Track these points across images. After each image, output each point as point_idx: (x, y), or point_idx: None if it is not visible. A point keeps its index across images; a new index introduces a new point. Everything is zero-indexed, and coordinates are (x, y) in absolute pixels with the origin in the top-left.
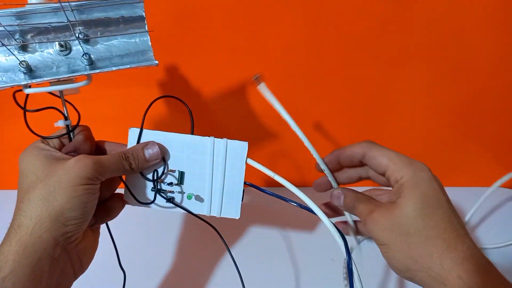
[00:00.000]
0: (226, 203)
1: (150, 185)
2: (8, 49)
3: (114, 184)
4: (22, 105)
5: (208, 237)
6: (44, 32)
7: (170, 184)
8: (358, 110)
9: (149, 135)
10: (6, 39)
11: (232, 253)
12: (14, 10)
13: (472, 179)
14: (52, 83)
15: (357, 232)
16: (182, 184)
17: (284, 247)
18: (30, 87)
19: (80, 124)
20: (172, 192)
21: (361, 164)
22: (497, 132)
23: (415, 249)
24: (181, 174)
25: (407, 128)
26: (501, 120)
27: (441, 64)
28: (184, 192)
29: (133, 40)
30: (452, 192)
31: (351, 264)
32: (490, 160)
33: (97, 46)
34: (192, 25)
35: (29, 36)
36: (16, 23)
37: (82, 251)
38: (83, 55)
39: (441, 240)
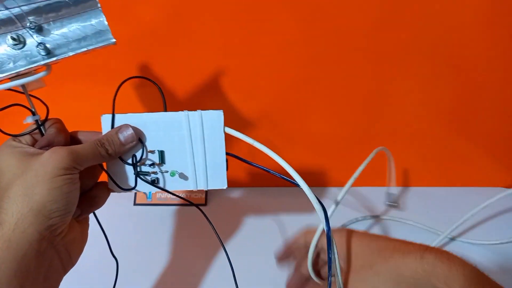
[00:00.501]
0: (211, 174)
1: (132, 169)
2: None
3: (95, 172)
4: None
5: (202, 231)
6: None
7: (152, 165)
8: (355, 109)
9: (122, 119)
10: None
11: (225, 245)
12: None
13: (472, 179)
14: (12, 79)
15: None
16: (164, 163)
17: (279, 242)
18: None
19: (50, 118)
20: (156, 173)
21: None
22: (496, 132)
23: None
24: (161, 153)
25: (405, 127)
26: (501, 119)
27: (439, 63)
28: (167, 171)
29: (88, 22)
30: (452, 192)
31: (330, 233)
32: (489, 160)
33: (52, 34)
34: (183, 22)
35: None
36: None
37: (70, 244)
38: (38, 45)
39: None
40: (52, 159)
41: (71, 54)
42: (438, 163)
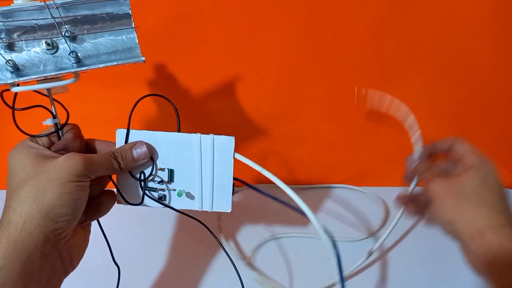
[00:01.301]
0: (217, 197)
1: (141, 184)
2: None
3: (104, 181)
4: (10, 105)
5: (201, 234)
6: (30, 31)
7: (161, 182)
8: (356, 110)
9: (136, 135)
10: None
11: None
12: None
13: None
14: (39, 81)
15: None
16: (172, 181)
17: (279, 245)
18: (17, 85)
19: (68, 122)
20: (163, 190)
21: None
22: (496, 132)
23: (464, 206)
24: (171, 172)
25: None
26: (501, 120)
27: (439, 64)
28: (175, 190)
29: (120, 37)
30: None
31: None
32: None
33: (84, 44)
34: (187, 24)
35: (15, 35)
36: (1, 22)
37: (72, 248)
38: (70, 53)
39: (489, 206)
40: (67, 165)
41: (100, 66)
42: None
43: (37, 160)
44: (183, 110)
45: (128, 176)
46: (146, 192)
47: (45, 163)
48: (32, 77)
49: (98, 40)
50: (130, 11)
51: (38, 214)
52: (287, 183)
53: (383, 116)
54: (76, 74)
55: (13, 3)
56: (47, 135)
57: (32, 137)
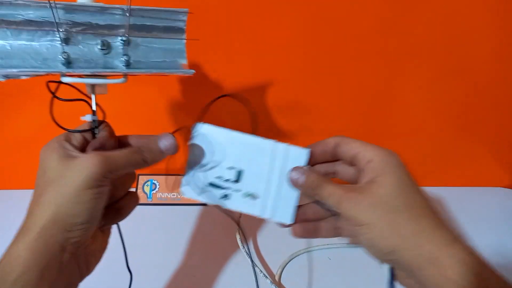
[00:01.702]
0: (279, 207)
1: (204, 179)
2: (59, 35)
3: (128, 182)
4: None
5: (201, 230)
6: (89, 28)
7: (227, 180)
8: (360, 109)
9: (213, 131)
10: (51, 28)
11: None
12: (64, 3)
13: (472, 179)
14: (87, 76)
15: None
16: (238, 182)
17: (279, 242)
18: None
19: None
20: (228, 188)
21: (331, 158)
22: (497, 132)
23: (404, 226)
24: (239, 172)
25: (408, 127)
26: (501, 120)
27: (442, 63)
28: (239, 191)
29: (171, 47)
30: (452, 192)
31: None
32: (490, 160)
33: (137, 48)
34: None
35: (74, 29)
36: (64, 16)
37: (90, 255)
38: (122, 56)
39: (430, 218)
40: (84, 168)
41: (149, 72)
42: (438, 163)
43: (62, 162)
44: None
45: (196, 170)
46: (199, 185)
47: (67, 166)
48: (83, 70)
49: (150, 47)
50: (184, 27)
51: (53, 224)
52: None
53: None
54: (125, 76)
55: (76, 0)
56: (84, 131)
57: (69, 132)
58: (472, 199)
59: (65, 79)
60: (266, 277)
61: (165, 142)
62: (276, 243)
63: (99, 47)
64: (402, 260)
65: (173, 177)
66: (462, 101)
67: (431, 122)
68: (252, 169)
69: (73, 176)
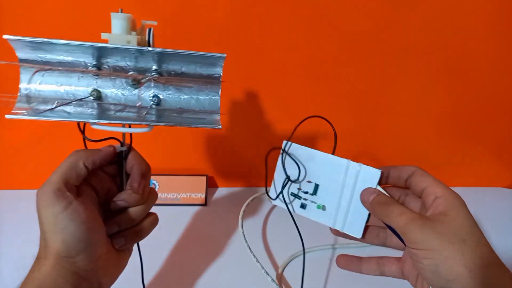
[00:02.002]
0: (350, 220)
1: (290, 190)
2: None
3: (149, 205)
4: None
5: (201, 230)
6: (120, 69)
7: (306, 192)
8: (358, 110)
9: (297, 148)
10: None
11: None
12: (96, 44)
13: (472, 179)
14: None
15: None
16: (315, 195)
17: (279, 241)
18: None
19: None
20: (306, 199)
21: (403, 185)
22: (497, 132)
23: (470, 258)
24: (316, 186)
25: (408, 127)
26: (501, 120)
27: (441, 64)
28: (315, 202)
29: (203, 97)
30: None
31: None
32: (490, 160)
33: (168, 90)
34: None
35: (105, 65)
36: (95, 57)
37: (102, 276)
38: (153, 96)
39: (493, 255)
40: (40, 204)
41: (178, 125)
42: (438, 163)
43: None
44: None
45: (282, 177)
46: (282, 193)
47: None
48: (113, 121)
49: (182, 91)
50: (221, 73)
51: (55, 252)
52: None
53: None
54: (151, 126)
55: (107, 41)
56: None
57: (93, 142)
58: (472, 199)
59: (96, 126)
60: (268, 274)
61: (135, 188)
62: (277, 243)
63: (130, 82)
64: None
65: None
66: (462, 101)
67: (431, 123)
68: (328, 184)
69: (42, 211)
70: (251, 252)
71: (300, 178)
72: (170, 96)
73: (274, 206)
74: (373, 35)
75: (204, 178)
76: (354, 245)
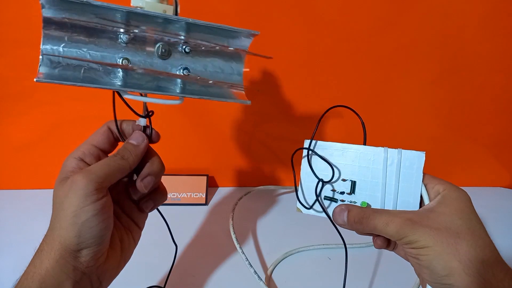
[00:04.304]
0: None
1: (322, 193)
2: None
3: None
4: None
5: (201, 230)
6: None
7: (342, 193)
8: (357, 109)
9: (322, 146)
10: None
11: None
12: (133, 10)
13: (472, 179)
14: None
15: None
16: (354, 193)
17: (279, 242)
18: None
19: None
20: (343, 200)
21: None
22: (496, 132)
23: (465, 253)
24: (353, 183)
25: (406, 127)
26: (501, 120)
27: (439, 65)
28: (356, 202)
29: (228, 65)
30: None
31: None
32: (490, 160)
33: (195, 59)
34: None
35: (138, 30)
36: (125, 24)
37: (103, 273)
38: (182, 69)
39: (490, 250)
40: (74, 189)
41: (206, 98)
42: (438, 163)
43: (61, 187)
44: None
45: (311, 180)
46: (319, 200)
47: (64, 191)
48: (143, 91)
49: (209, 61)
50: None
51: (60, 246)
52: None
53: None
54: (181, 98)
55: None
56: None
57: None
58: (472, 199)
59: (126, 96)
60: (256, 273)
61: (134, 138)
62: (274, 241)
63: (159, 52)
64: (457, 285)
65: None
66: (461, 101)
67: (431, 123)
68: (367, 178)
69: (70, 199)
70: (243, 253)
71: (334, 178)
72: (197, 68)
73: (273, 203)
74: (372, 36)
75: (205, 178)
76: (358, 246)
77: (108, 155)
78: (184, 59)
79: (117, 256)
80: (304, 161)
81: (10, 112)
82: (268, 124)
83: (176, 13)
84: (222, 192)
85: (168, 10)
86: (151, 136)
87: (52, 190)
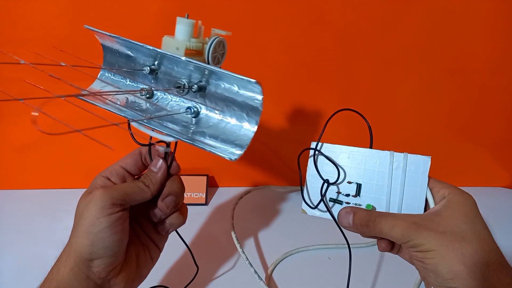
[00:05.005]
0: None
1: (328, 195)
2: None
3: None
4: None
5: (201, 230)
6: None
7: (348, 195)
8: (357, 109)
9: (329, 148)
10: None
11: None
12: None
13: (472, 179)
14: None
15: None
16: (359, 196)
17: (279, 241)
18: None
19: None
20: (348, 203)
21: None
22: (497, 132)
23: (470, 257)
24: (359, 186)
25: (406, 128)
26: (501, 120)
27: (440, 66)
28: (361, 204)
29: (238, 125)
30: None
31: None
32: (490, 160)
33: (206, 104)
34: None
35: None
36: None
37: (115, 286)
38: (193, 116)
39: (495, 254)
40: (95, 200)
41: (205, 149)
42: (438, 164)
43: (85, 199)
44: None
45: (318, 182)
46: (324, 200)
47: (85, 203)
48: (156, 128)
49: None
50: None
51: (75, 253)
52: None
53: None
54: (177, 142)
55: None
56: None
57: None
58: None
59: (134, 124)
60: (256, 272)
61: (156, 165)
62: (274, 241)
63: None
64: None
65: None
66: (461, 101)
67: (431, 123)
68: (371, 181)
69: (88, 210)
70: (243, 252)
71: (340, 180)
72: (207, 117)
73: (273, 203)
74: (372, 36)
75: (205, 177)
76: (358, 246)
77: (135, 177)
78: (197, 100)
79: (132, 272)
80: (311, 163)
81: (10, 112)
82: (268, 124)
83: (208, 53)
84: (222, 192)
85: (180, 48)
86: (170, 165)
87: (52, 190)
